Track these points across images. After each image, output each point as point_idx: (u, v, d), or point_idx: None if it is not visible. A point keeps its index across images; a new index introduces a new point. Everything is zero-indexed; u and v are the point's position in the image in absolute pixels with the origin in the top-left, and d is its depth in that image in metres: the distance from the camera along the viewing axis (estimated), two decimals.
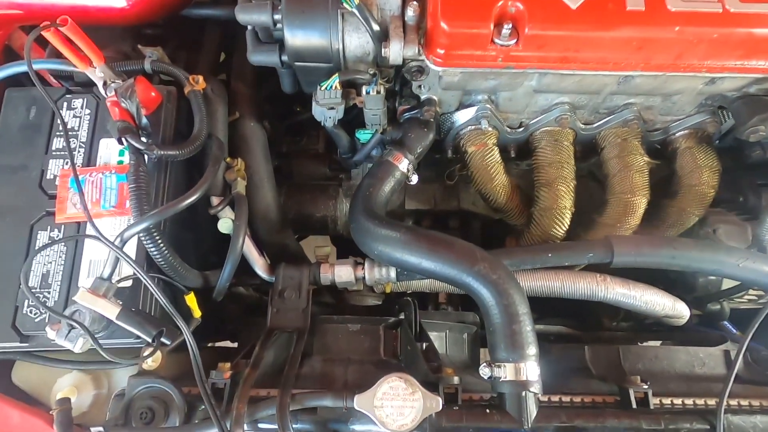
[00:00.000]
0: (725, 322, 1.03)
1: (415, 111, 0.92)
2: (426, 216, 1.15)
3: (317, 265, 0.86)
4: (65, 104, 0.80)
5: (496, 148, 0.97)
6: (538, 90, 0.88)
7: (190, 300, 0.78)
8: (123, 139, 0.72)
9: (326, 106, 0.81)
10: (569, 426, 0.65)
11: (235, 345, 0.97)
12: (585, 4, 0.71)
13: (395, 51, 0.74)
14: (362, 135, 0.95)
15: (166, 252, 0.70)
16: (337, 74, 0.77)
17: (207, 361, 0.69)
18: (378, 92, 0.79)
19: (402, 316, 0.85)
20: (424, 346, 0.79)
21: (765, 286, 0.79)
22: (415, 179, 0.93)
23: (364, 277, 0.85)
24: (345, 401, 0.63)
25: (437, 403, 0.62)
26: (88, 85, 0.82)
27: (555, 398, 0.72)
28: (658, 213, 0.97)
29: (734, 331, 1.04)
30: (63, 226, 0.74)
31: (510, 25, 0.72)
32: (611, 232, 0.93)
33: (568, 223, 0.93)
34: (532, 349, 0.67)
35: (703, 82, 0.83)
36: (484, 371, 0.68)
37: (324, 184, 1.12)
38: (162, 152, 0.73)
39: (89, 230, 0.71)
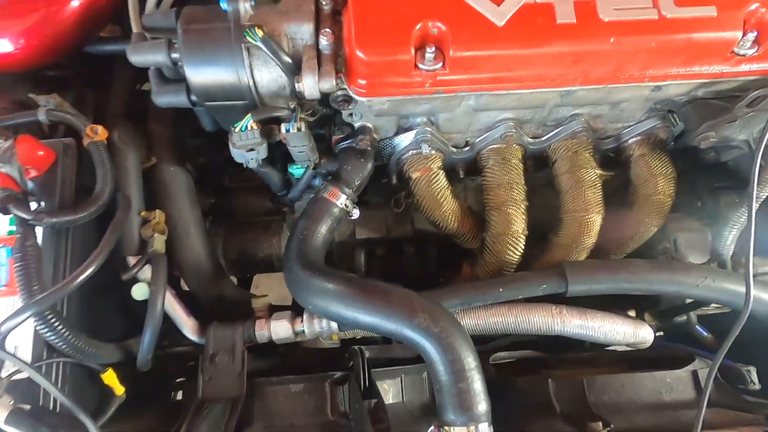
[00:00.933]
0: (697, 326, 0.99)
1: (350, 140, 0.85)
2: (379, 244, 1.09)
3: (251, 322, 0.78)
4: None
5: (441, 171, 0.90)
6: (477, 109, 0.82)
7: (108, 378, 0.70)
8: (6, 210, 0.63)
9: (244, 149, 0.74)
10: None
11: None
12: (512, 20, 0.65)
13: (310, 85, 0.66)
14: (295, 170, 0.87)
15: (66, 334, 0.62)
16: (249, 115, 0.69)
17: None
18: (299, 129, 0.72)
19: (350, 366, 0.79)
20: (371, 404, 0.72)
21: (726, 304, 0.74)
22: (356, 213, 0.86)
23: (303, 331, 0.78)
24: None
25: None
26: None
27: None
28: (617, 224, 0.92)
29: (705, 333, 1.00)
30: None
31: (433, 48, 0.65)
32: (568, 252, 0.88)
33: (522, 247, 0.87)
34: (482, 407, 0.61)
35: (649, 89, 0.77)
36: None
37: (266, 220, 1.04)
38: (54, 220, 0.65)
39: None
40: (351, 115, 0.81)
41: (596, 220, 0.86)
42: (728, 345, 0.66)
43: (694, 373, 0.78)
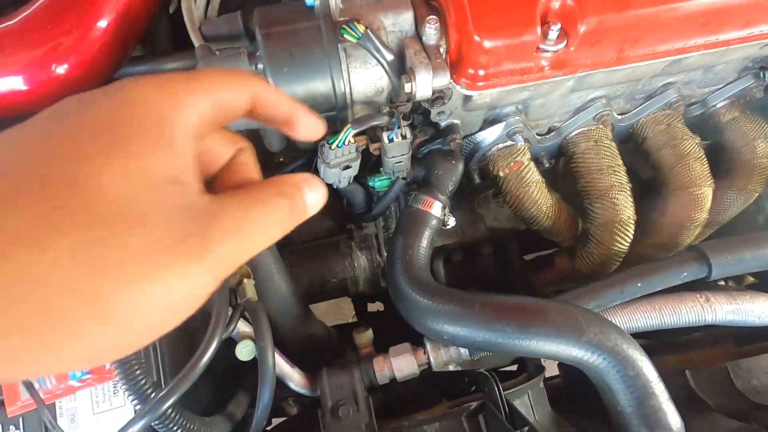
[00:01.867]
0: None
1: (437, 142, 0.75)
2: (456, 251, 1.00)
3: (368, 363, 0.68)
4: None
5: (532, 163, 0.82)
6: (576, 89, 0.74)
7: None
8: None
9: (340, 167, 0.63)
10: None
11: None
12: None
13: (424, 84, 0.56)
14: (378, 182, 0.77)
15: (182, 421, 0.51)
16: (349, 126, 0.59)
17: None
18: (404, 136, 0.62)
19: (480, 393, 0.70)
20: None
21: None
22: (452, 222, 0.77)
23: (429, 363, 0.69)
24: None
25: None
26: None
27: None
28: (715, 196, 0.87)
29: None
30: (21, 420, 0.52)
31: (558, 26, 0.57)
32: (679, 231, 0.82)
33: (632, 234, 0.80)
34: (677, 423, 0.54)
35: (759, 47, 0.71)
36: None
37: (332, 241, 0.94)
38: None
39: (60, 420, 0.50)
40: (440, 113, 0.71)
41: (708, 194, 0.80)
42: None
43: None
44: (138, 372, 0.48)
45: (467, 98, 0.66)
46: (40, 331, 0.24)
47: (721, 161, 0.88)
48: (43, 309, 0.24)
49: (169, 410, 0.48)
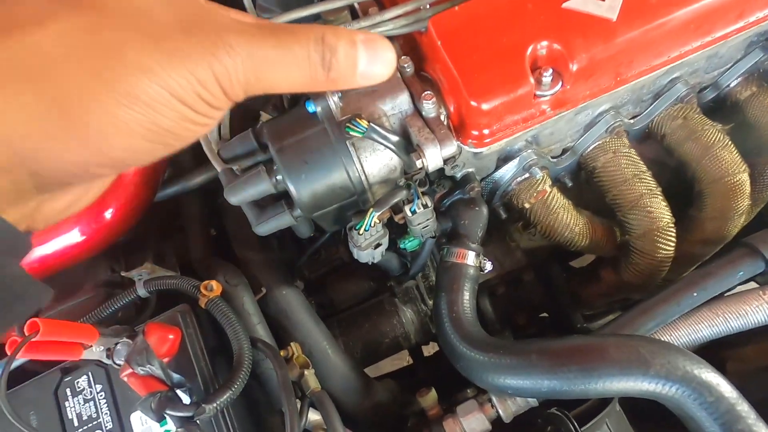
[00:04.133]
0: None
1: (457, 193, 0.77)
2: (499, 284, 1.00)
3: (439, 426, 0.69)
4: (68, 390, 0.62)
5: (555, 189, 0.82)
6: (580, 111, 0.74)
7: None
8: (164, 415, 0.54)
9: (371, 247, 0.65)
10: None
11: None
12: (624, 9, 0.58)
13: (433, 156, 0.59)
14: (409, 244, 0.79)
15: None
16: (372, 210, 0.61)
17: None
18: (425, 205, 0.64)
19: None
20: None
21: None
22: (489, 266, 0.77)
23: (499, 416, 0.69)
24: None
25: None
26: None
27: None
28: (752, 175, 0.84)
29: None
30: None
31: (550, 71, 0.58)
32: (723, 223, 0.80)
33: (674, 238, 0.78)
34: None
35: (759, 28, 0.70)
36: None
37: (376, 302, 0.96)
38: (214, 405, 0.56)
39: None
40: (454, 168, 0.73)
41: (744, 180, 0.78)
42: None
43: None
44: None
45: (477, 153, 0.68)
46: (57, 104, 0.25)
47: (751, 139, 0.85)
48: (56, 82, 0.25)
49: None
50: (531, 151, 0.78)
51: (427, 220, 0.68)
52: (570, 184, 0.88)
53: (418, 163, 0.59)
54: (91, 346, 0.55)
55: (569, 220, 0.81)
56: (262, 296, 0.76)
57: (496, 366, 0.64)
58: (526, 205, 0.82)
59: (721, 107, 0.87)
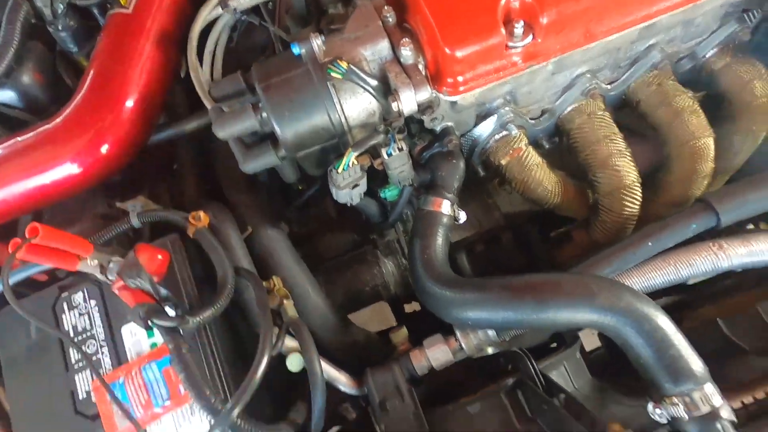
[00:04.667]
0: None
1: (436, 146, 0.81)
2: (477, 242, 1.05)
3: (407, 357, 0.75)
4: (65, 305, 0.68)
5: (530, 148, 0.86)
6: (557, 71, 0.78)
7: None
8: (150, 324, 0.60)
9: (349, 187, 0.70)
10: None
11: None
12: None
13: (408, 101, 0.63)
14: (389, 193, 0.83)
15: (254, 431, 0.59)
16: (350, 150, 0.66)
17: None
18: (401, 149, 0.68)
19: (515, 371, 0.74)
20: (562, 400, 0.68)
21: None
22: (463, 217, 0.82)
23: (461, 348, 0.74)
24: None
25: None
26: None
27: (736, 405, 0.62)
28: (723, 143, 0.88)
29: None
30: None
31: (521, 23, 0.61)
32: (688, 186, 0.84)
33: (640, 197, 0.82)
34: (699, 367, 0.57)
35: None
36: (657, 413, 0.57)
37: (359, 253, 1.01)
38: (198, 318, 0.61)
39: None
40: (433, 120, 0.77)
41: (709, 144, 0.82)
42: None
43: None
44: (207, 392, 0.57)
45: (453, 103, 0.72)
46: None
47: (723, 108, 0.89)
48: None
49: (239, 421, 0.57)
50: (508, 109, 0.82)
51: (403, 165, 0.72)
52: (548, 146, 0.92)
53: (394, 106, 0.63)
54: (86, 258, 0.60)
55: (542, 178, 0.85)
56: (249, 235, 0.81)
57: (459, 300, 0.69)
58: (503, 162, 0.86)
59: (698, 78, 0.91)
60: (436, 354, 0.73)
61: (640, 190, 0.82)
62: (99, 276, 0.63)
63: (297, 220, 1.05)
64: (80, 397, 0.64)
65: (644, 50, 0.83)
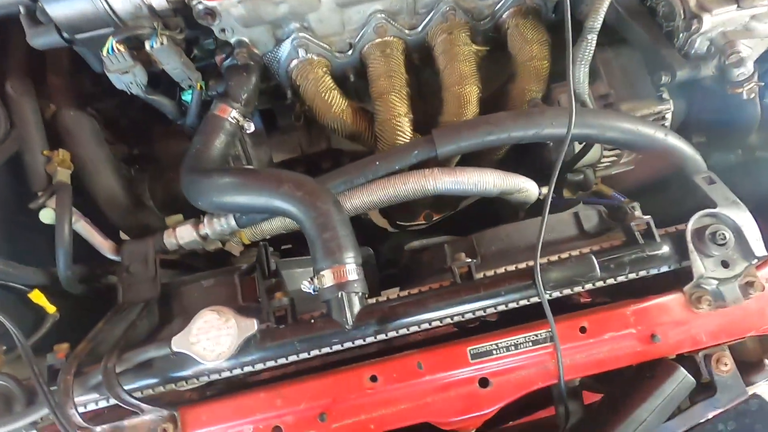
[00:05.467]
0: (614, 192, 1.03)
1: (230, 58, 0.90)
2: (297, 164, 1.14)
3: (161, 233, 0.85)
4: None
5: (327, 75, 0.95)
6: (342, 4, 0.86)
7: (36, 297, 0.78)
8: None
9: (119, 72, 0.79)
10: (392, 317, 0.65)
11: None
12: None
13: None
14: (187, 96, 0.93)
15: None
16: (111, 38, 0.75)
17: None
18: (162, 43, 0.77)
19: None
20: (272, 282, 0.79)
21: (584, 138, 0.78)
22: (251, 128, 0.91)
23: (207, 234, 0.85)
24: (169, 347, 0.64)
25: (251, 324, 0.62)
26: None
27: (383, 298, 0.72)
28: (502, 99, 0.96)
29: (622, 198, 1.03)
30: None
31: None
32: None
33: (409, 130, 0.91)
34: (349, 252, 0.67)
35: None
36: (305, 285, 0.68)
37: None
38: None
39: None
40: (223, 31, 0.85)
41: (473, 90, 0.90)
42: (557, 170, 0.71)
43: (576, 215, 0.82)
44: None
45: (227, 12, 0.80)
46: None
47: (508, 66, 0.97)
48: None
49: None
50: (302, 35, 0.90)
51: (175, 61, 0.81)
52: (353, 79, 1.00)
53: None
54: None
55: (333, 103, 0.94)
56: (52, 113, 0.90)
57: (200, 187, 0.79)
58: (300, 84, 0.95)
59: (496, 38, 0.98)
60: (183, 233, 0.84)
61: (409, 123, 0.91)
62: None
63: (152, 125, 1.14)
64: None
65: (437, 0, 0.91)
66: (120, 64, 0.78)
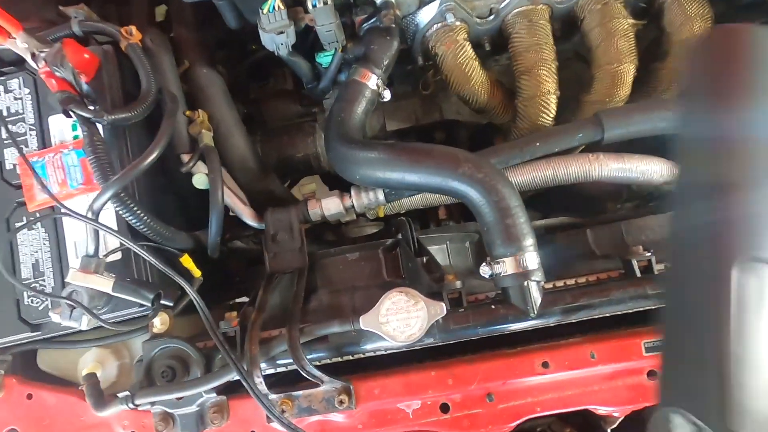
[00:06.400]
0: None
1: (374, 19, 0.84)
2: (409, 133, 1.11)
3: (304, 202, 0.84)
4: (1, 88, 0.75)
5: (467, 43, 0.90)
6: None
7: (186, 261, 0.78)
8: (68, 111, 0.67)
9: (275, 32, 0.75)
10: (575, 306, 0.65)
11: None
12: None
13: None
14: (323, 58, 0.88)
15: (143, 216, 0.69)
16: None
17: (220, 317, 0.70)
18: (325, 2, 0.72)
19: (399, 236, 0.84)
20: (424, 260, 0.78)
21: None
22: (387, 95, 0.87)
23: (353, 206, 0.83)
24: (352, 324, 0.64)
25: (441, 308, 0.62)
26: (19, 63, 0.77)
27: (560, 283, 0.72)
28: (649, 79, 0.91)
29: None
30: (37, 214, 0.73)
31: None
32: (601, 109, 0.88)
33: (555, 108, 0.87)
34: (528, 240, 0.66)
35: None
36: (485, 270, 0.67)
37: (299, 122, 1.07)
38: (113, 117, 0.69)
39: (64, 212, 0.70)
40: None
41: (629, 69, 0.85)
42: None
43: None
44: (109, 171, 0.66)
45: None
46: None
47: (661, 44, 0.91)
48: None
49: (131, 203, 0.66)
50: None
51: (330, 23, 0.76)
52: (488, 48, 0.95)
53: None
54: (16, 38, 0.66)
55: (472, 73, 0.89)
56: (185, 69, 0.86)
57: (354, 158, 0.77)
58: (438, 51, 0.90)
59: (648, 9, 0.92)
60: (329, 205, 0.83)
61: (555, 101, 0.87)
62: (29, 61, 0.69)
63: (258, 85, 1.10)
64: (7, 167, 0.74)
65: None
66: (277, 23, 0.74)
